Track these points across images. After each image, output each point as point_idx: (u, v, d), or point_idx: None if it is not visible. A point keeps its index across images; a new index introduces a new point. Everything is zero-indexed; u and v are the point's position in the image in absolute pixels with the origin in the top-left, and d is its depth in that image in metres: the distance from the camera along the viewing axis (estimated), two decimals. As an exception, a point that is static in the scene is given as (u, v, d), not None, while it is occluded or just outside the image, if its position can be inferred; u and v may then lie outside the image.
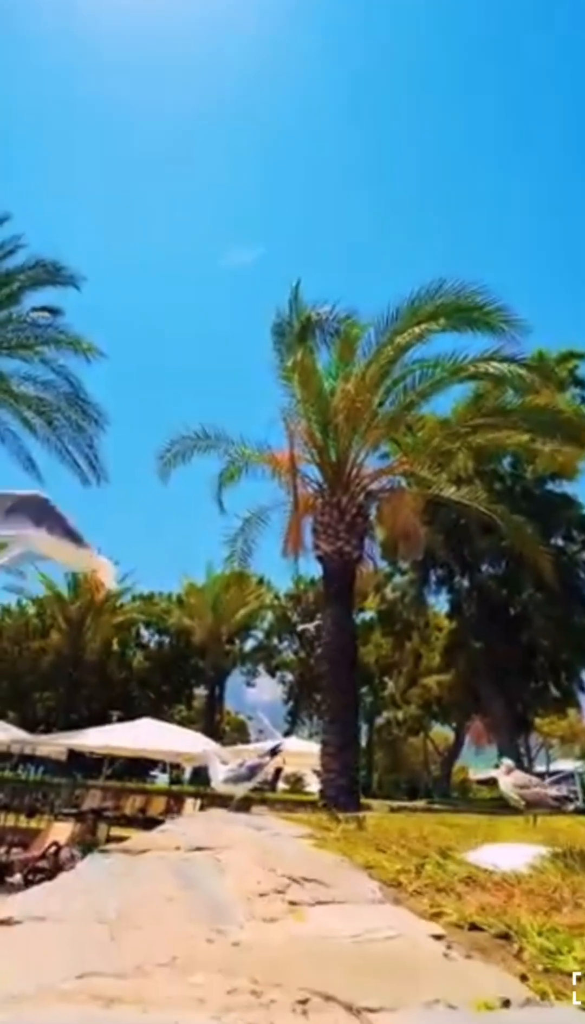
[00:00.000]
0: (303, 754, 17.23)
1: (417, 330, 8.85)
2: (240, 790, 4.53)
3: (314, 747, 17.72)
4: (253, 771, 4.44)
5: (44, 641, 35.34)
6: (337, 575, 9.26)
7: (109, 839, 10.38)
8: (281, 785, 28.87)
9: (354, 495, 9.65)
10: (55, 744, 10.59)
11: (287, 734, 39.36)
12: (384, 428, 9.73)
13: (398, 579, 21.30)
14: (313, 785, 32.53)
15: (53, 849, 9.14)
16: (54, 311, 15.00)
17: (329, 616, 9.01)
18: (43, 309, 15.00)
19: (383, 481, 10.56)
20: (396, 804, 17.90)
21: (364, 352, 9.82)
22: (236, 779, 4.43)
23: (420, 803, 17.61)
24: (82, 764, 17.23)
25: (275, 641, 43.40)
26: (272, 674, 42.85)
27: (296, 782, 31.06)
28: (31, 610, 37.62)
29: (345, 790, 7.81)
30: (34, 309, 14.93)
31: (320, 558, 9.46)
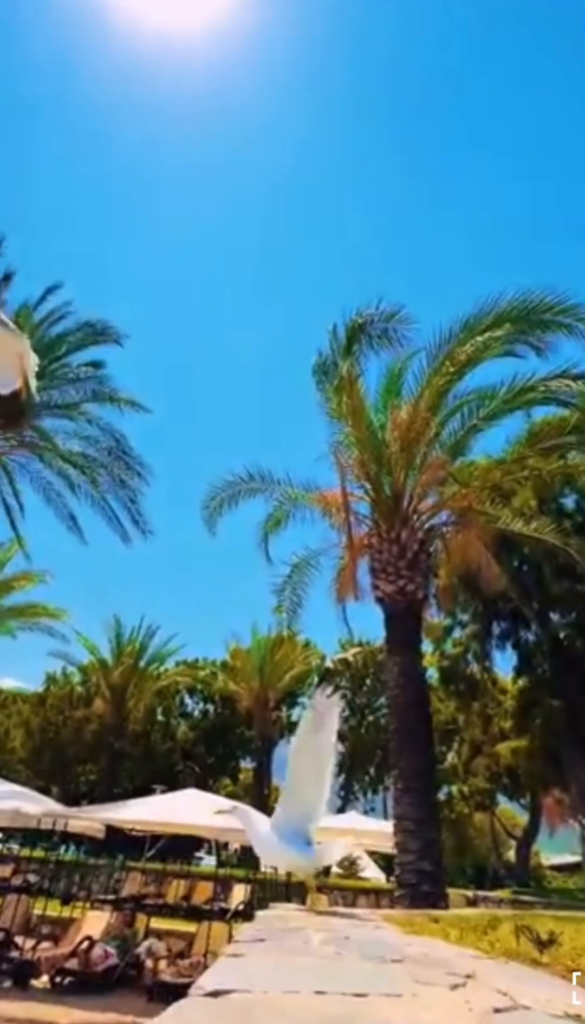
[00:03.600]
0: (359, 832, 15.41)
1: (480, 339, 8.17)
2: (303, 861, 2.91)
3: (371, 823, 15.89)
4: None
5: (88, 710, 34.43)
6: (401, 618, 8.23)
7: (148, 932, 9.10)
8: (334, 869, 26.33)
9: (414, 529, 8.76)
10: (90, 818, 9.54)
11: (339, 811, 36.58)
12: (444, 456, 8.92)
13: (458, 633, 19.75)
14: (369, 870, 29.60)
15: (85, 945, 7.96)
16: (97, 364, 15.12)
17: (395, 665, 7.92)
18: (88, 364, 15.17)
19: (443, 516, 9.65)
20: (470, 894, 15.70)
21: (415, 375, 9.19)
22: (292, 837, 2.90)
23: (502, 894, 15.39)
24: (122, 843, 15.90)
25: (323, 709, 41.36)
26: (322, 744, 40.55)
27: (350, 865, 28.31)
28: (76, 678, 37.01)
29: (428, 876, 6.44)
30: (79, 365, 15.15)
31: (380, 600, 8.49)
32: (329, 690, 3.26)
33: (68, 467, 16.29)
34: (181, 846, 19.48)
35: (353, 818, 16.19)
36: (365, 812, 30.54)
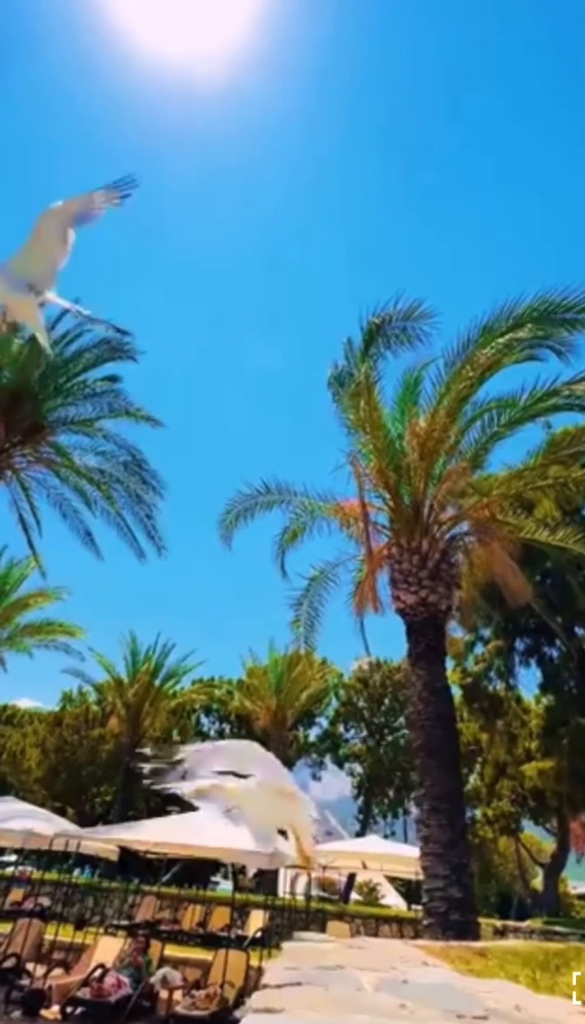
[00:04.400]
0: (380, 857, 14.86)
1: (501, 341, 7.97)
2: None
3: (391, 847, 15.29)
4: None
5: (103, 729, 34.11)
6: (423, 630, 7.94)
7: (162, 960, 8.74)
8: (354, 896, 25.51)
9: (435, 539, 8.50)
10: (103, 839, 9.25)
11: (358, 834, 35.59)
12: (466, 463, 8.69)
13: (479, 649, 19.20)
14: (389, 896, 28.66)
15: (98, 973, 7.64)
16: (114, 379, 15.17)
17: (418, 679, 7.60)
18: (105, 379, 15.22)
19: (464, 526, 9.38)
20: (498, 923, 15.02)
21: (433, 382, 9.00)
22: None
23: (532, 924, 14.69)
24: (137, 866, 15.53)
25: (340, 729, 40.56)
26: (340, 765, 39.63)
27: (370, 892, 27.45)
28: (91, 696, 36.76)
29: (458, 904, 6.04)
30: (95, 380, 15.19)
31: (401, 612, 8.21)
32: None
33: (84, 482, 16.30)
34: (197, 870, 19.03)
35: (373, 842, 15.61)
36: (385, 837, 29.71)
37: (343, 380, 10.12)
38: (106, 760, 33.82)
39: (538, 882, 31.19)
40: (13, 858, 25.48)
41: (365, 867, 15.71)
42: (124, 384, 15.42)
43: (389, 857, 14.29)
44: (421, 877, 12.56)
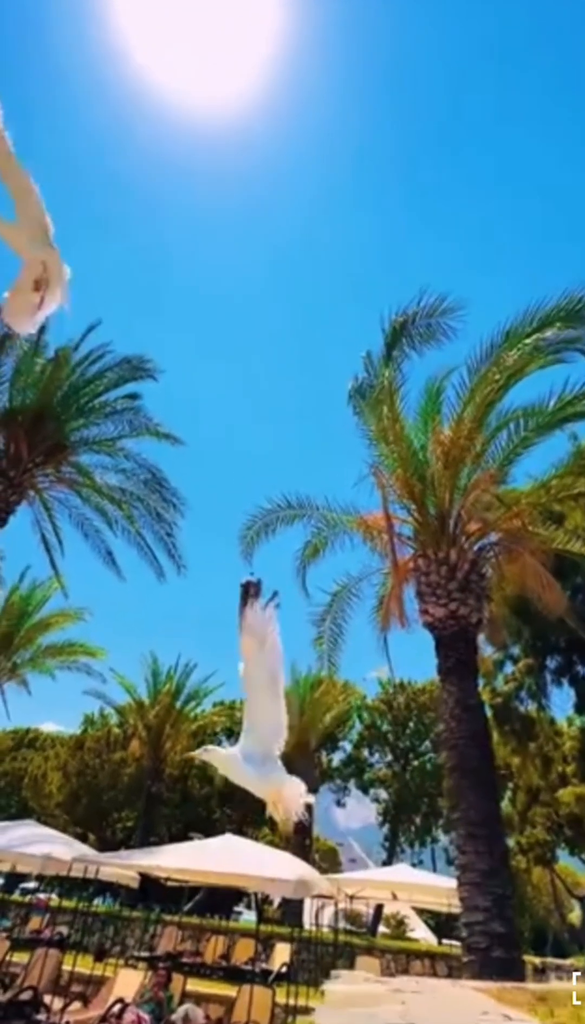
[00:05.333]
0: (410, 887, 14.18)
1: (528, 342, 7.75)
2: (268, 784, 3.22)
3: (420, 876, 14.58)
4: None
5: (125, 752, 33.76)
6: (453, 644, 7.60)
7: (184, 996, 8.34)
8: (381, 928, 24.53)
9: (464, 550, 8.21)
10: (123, 864, 8.94)
11: (385, 863, 34.44)
12: (494, 471, 8.42)
13: (509, 668, 18.55)
14: (418, 929, 27.47)
15: (117, 1008, 7.28)
16: (134, 396, 15.25)
17: (450, 695, 7.24)
18: (125, 397, 15.32)
19: (492, 537, 9.07)
20: (537, 961, 14.19)
21: (456, 390, 8.78)
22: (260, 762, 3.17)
23: (576, 962, 13.86)
24: (158, 893, 15.10)
25: (365, 753, 39.62)
26: (364, 791, 38.63)
27: (398, 925, 26.40)
28: (113, 719, 36.49)
29: (500, 939, 5.58)
30: (116, 399, 15.30)
31: (429, 625, 7.90)
32: (258, 603, 3.24)
33: (105, 502, 16.31)
34: (220, 899, 18.48)
35: (401, 871, 14.94)
36: (413, 866, 28.70)
37: (364, 392, 9.97)
38: (128, 784, 33.43)
39: (575, 916, 29.75)
40: (34, 884, 25.11)
41: (395, 897, 15.01)
42: (144, 402, 15.52)
43: (419, 887, 13.63)
44: (453, 909, 11.93)
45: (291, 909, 16.48)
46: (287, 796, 3.43)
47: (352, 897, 14.48)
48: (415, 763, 37.76)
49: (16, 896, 22.46)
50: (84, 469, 16.05)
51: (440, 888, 12.16)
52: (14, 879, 23.62)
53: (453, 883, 9.76)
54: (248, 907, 29.60)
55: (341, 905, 14.68)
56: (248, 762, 3.21)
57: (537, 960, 13.97)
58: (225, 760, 3.44)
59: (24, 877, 22.32)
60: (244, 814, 36.23)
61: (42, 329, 14.97)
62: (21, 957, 9.62)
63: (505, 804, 27.46)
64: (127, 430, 16.09)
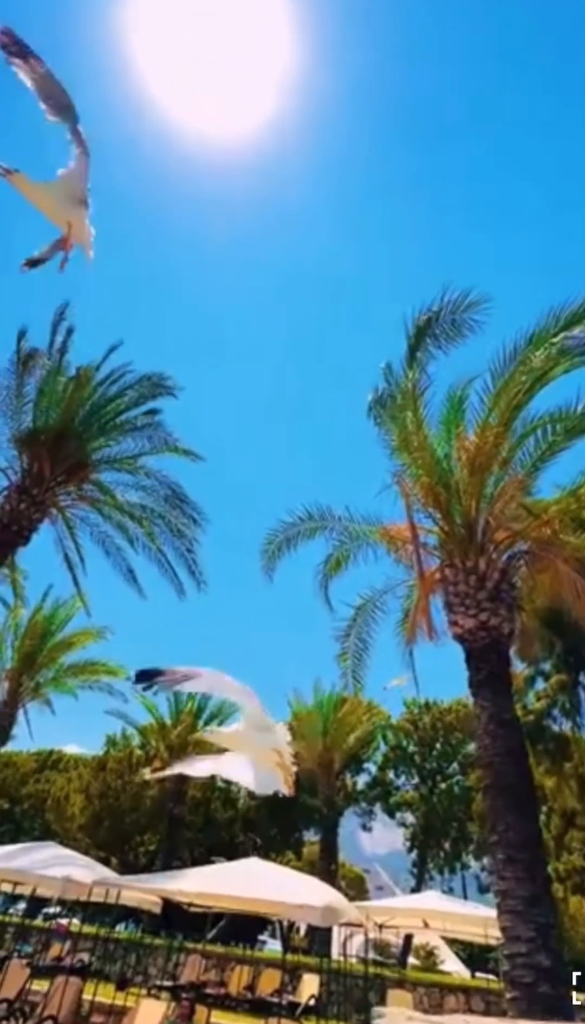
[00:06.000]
0: (443, 916, 13.53)
1: (555, 342, 7.53)
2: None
3: (450, 903, 13.85)
4: None
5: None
6: (484, 656, 7.29)
7: (209, 1030, 7.97)
8: (410, 960, 23.58)
9: (493, 559, 7.93)
10: (145, 888, 8.64)
11: (413, 890, 33.31)
12: (522, 476, 8.17)
13: (540, 684, 17.96)
14: (449, 961, 26.32)
15: (138, 1041, 6.97)
16: (154, 412, 15.33)
17: (483, 711, 6.90)
18: (145, 412, 15.41)
19: (521, 545, 8.77)
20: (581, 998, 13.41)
21: (480, 395, 8.57)
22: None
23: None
24: (181, 920, 14.69)
25: (390, 776, 38.65)
26: (390, 814, 37.60)
27: (428, 956, 25.34)
28: (135, 740, 36.22)
29: (548, 974, 5.15)
30: (137, 416, 15.40)
31: (459, 637, 7.59)
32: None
33: (126, 519, 16.33)
34: (244, 926, 17.95)
35: (432, 899, 14.29)
36: (443, 893, 27.67)
37: (384, 402, 9.83)
38: (150, 807, 33.00)
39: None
40: (56, 909, 24.72)
41: (426, 926, 14.35)
42: (162, 417, 15.58)
43: (453, 916, 12.96)
44: (490, 940, 11.33)
45: (319, 938, 15.91)
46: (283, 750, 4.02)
47: (381, 926, 13.89)
48: (442, 786, 36.71)
49: (38, 921, 22.13)
50: (105, 487, 16.12)
51: (475, 917, 11.59)
52: (36, 903, 23.32)
53: (489, 912, 9.28)
54: (273, 936, 28.76)
55: (371, 935, 14.10)
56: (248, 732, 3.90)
57: (581, 998, 13.17)
58: (229, 735, 4.08)
59: (46, 901, 22.00)
60: (268, 840, 35.52)
61: (63, 350, 15.18)
62: (41, 985, 9.34)
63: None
64: (147, 447, 16.16)
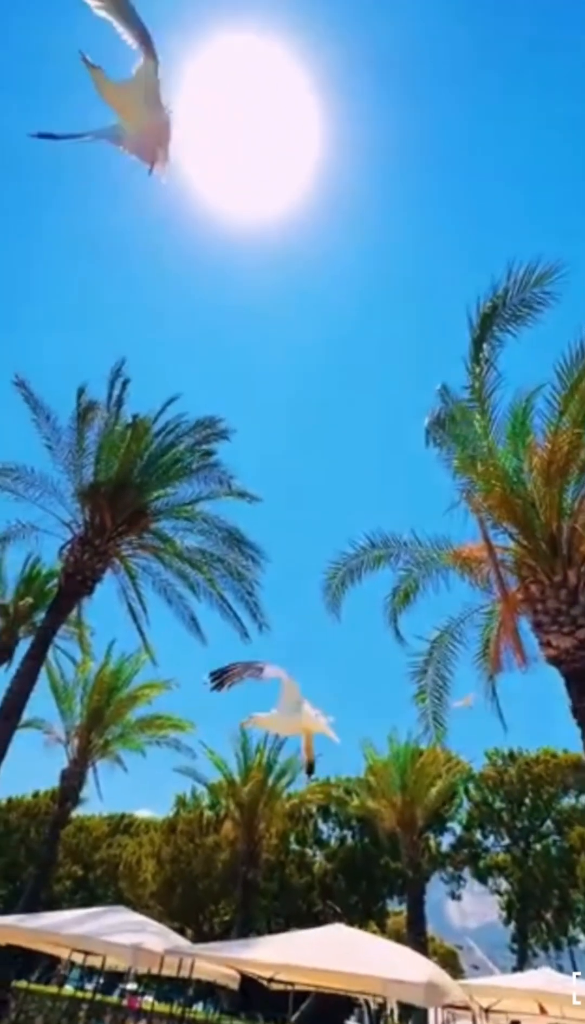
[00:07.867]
0: (562, 998, 11.69)
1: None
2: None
3: (565, 982, 11.91)
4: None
5: (217, 835, 32.14)
6: (587, 678, 6.44)
7: None
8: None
9: (582, 571, 7.14)
10: (220, 958, 7.81)
11: (515, 969, 29.86)
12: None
13: None
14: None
15: None
16: (210, 453, 15.43)
17: (592, 741, 6.03)
18: (202, 454, 15.54)
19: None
20: None
21: (549, 400, 7.96)
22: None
23: None
24: (261, 998, 13.46)
25: (477, 836, 35.65)
26: (482, 879, 34.43)
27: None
28: (204, 800, 35.13)
29: None
30: (192, 460, 15.55)
31: (555, 660, 6.77)
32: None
33: (186, 566, 16.23)
34: (331, 1007, 16.31)
35: (548, 977, 12.34)
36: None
37: (443, 422, 9.38)
38: (222, 872, 31.55)
39: None
40: (133, 985, 23.41)
41: (543, 1012, 12.36)
42: (218, 457, 15.65)
43: (568, 999, 11.16)
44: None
45: (415, 1022, 14.15)
46: (310, 716, 4.13)
47: (487, 1010, 12.20)
48: (537, 847, 33.50)
49: (114, 998, 20.99)
50: (164, 535, 16.17)
51: (598, 999, 9.92)
52: (111, 978, 22.21)
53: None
54: (360, 1020, 26.30)
55: (478, 1020, 12.38)
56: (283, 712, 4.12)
57: None
58: (267, 719, 4.30)
59: (121, 976, 20.89)
60: (347, 907, 33.08)
61: (120, 402, 15.59)
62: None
63: None
64: (204, 491, 16.21)
